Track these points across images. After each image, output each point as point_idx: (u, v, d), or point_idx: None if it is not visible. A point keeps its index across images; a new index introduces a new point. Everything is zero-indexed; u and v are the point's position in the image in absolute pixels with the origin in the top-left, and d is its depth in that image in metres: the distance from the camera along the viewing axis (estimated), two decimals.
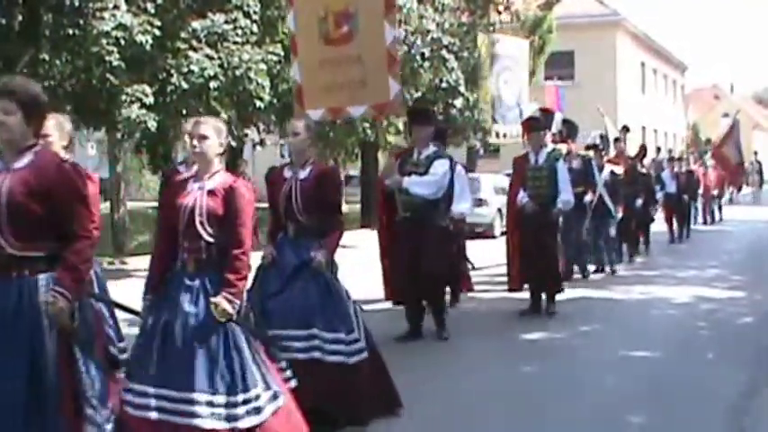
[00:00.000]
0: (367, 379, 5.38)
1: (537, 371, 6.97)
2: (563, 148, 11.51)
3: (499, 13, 19.79)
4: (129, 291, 9.29)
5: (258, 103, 13.30)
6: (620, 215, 13.10)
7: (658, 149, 23.46)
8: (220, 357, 4.24)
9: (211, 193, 4.39)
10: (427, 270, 7.70)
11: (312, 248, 5.41)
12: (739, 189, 29.73)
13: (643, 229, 15.25)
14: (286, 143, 5.94)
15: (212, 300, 4.24)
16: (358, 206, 24.37)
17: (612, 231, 12.98)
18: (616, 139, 15.50)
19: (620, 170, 13.73)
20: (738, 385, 6.33)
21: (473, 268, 9.81)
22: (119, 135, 13.58)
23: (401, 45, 17.49)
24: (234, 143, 16.41)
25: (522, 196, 9.35)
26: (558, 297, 10.45)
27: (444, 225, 7.91)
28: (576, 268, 12.13)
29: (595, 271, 12.73)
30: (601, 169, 12.86)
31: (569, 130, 12.61)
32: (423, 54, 17.75)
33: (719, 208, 24.27)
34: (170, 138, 14.98)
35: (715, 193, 23.61)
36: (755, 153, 37.46)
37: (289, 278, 5.42)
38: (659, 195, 17.42)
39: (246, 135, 16.20)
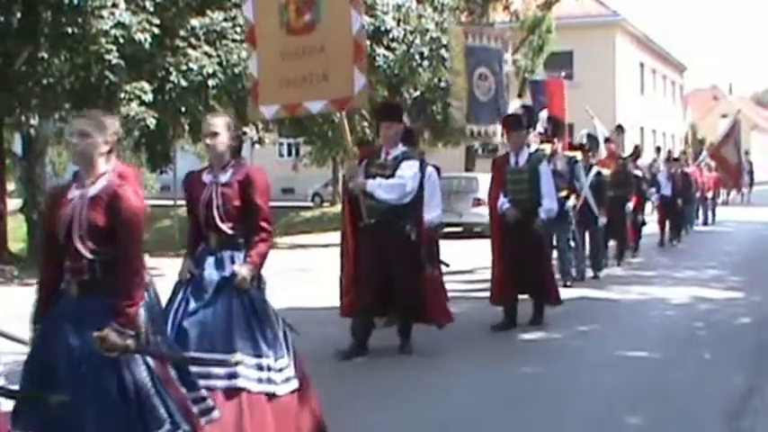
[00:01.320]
0: (296, 411, 4.72)
1: (534, 371, 6.96)
2: (547, 147, 10.91)
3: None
4: None
5: None
6: (603, 219, 12.39)
7: (658, 149, 23.26)
8: (114, 396, 3.63)
9: (93, 200, 3.73)
10: (398, 282, 7.09)
11: (236, 261, 4.76)
12: (739, 190, 29.20)
13: (636, 231, 14.76)
14: (204, 145, 5.04)
15: (96, 334, 3.58)
16: None
17: (597, 236, 12.39)
18: (607, 140, 14.60)
19: (607, 172, 12.97)
20: (736, 386, 6.32)
21: (446, 266, 8.81)
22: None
23: (399, 43, 17.52)
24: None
25: (503, 202, 8.57)
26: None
27: (411, 234, 7.11)
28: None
29: (575, 278, 11.78)
30: (588, 170, 12.29)
31: (555, 128, 11.65)
32: (422, 53, 17.78)
33: (713, 210, 23.70)
34: (169, 136, 14.99)
35: (709, 195, 22.95)
36: (746, 153, 37.37)
37: (209, 295, 4.72)
38: (654, 197, 16.95)
39: (245, 133, 16.20)
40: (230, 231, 4.80)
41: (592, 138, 13.32)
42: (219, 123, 4.92)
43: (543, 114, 12.12)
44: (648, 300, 10.53)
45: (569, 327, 8.73)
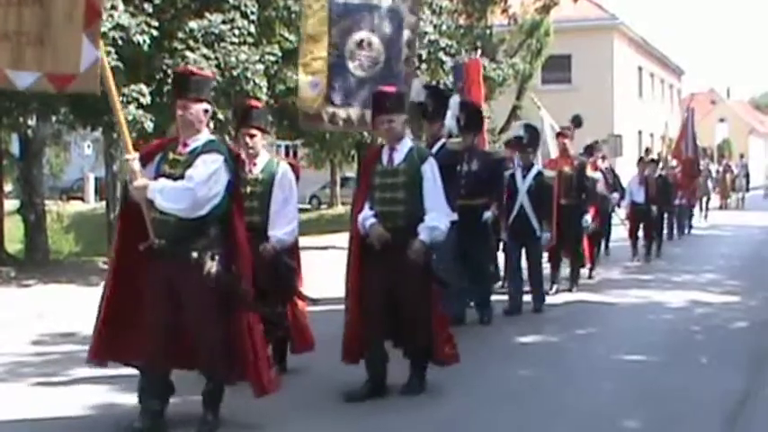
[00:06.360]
0: None
1: (531, 374, 6.97)
2: (456, 142, 8.49)
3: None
4: None
5: None
6: (546, 234, 9.69)
7: (647, 151, 23.15)
8: None
9: None
10: (195, 331, 5.13)
11: None
12: (693, 194, 21.87)
13: (592, 246, 12.41)
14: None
15: None
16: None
17: (536, 256, 9.83)
18: (559, 134, 11.69)
19: (550, 173, 10.43)
20: (733, 390, 6.33)
21: (313, 302, 6.51)
22: (115, 135, 13.55)
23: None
24: (231, 143, 16.44)
25: (367, 217, 5.99)
26: (553, 300, 10.48)
27: (205, 262, 5.00)
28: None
29: (507, 312, 9.47)
30: (527, 170, 9.82)
31: (469, 117, 8.87)
32: (420, 56, 17.76)
33: (689, 218, 21.01)
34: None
35: (684, 201, 19.64)
36: (741, 156, 37.57)
37: None
38: (623, 204, 14.99)
39: None
40: None
41: (531, 129, 10.50)
42: None
43: (455, 100, 9.17)
44: (646, 303, 10.53)
45: (567, 330, 8.74)
